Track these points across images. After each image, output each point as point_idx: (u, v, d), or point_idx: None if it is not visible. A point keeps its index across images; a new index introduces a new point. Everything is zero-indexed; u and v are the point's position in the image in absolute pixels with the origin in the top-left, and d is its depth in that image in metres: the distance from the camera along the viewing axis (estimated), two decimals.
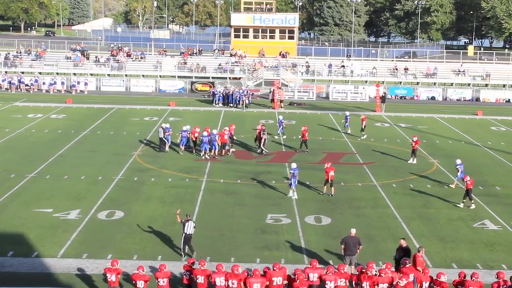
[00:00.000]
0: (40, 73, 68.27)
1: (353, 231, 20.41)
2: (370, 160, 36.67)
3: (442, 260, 21.77)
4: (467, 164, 36.10)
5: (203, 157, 35.41)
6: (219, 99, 56.77)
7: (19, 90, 62.85)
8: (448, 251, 22.75)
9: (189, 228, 21.12)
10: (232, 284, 17.25)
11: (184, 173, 32.54)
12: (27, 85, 63.18)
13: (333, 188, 29.03)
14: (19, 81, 63.88)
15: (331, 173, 28.74)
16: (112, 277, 17.69)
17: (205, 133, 35.72)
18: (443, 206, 28.02)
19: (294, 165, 28.92)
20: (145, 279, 17.65)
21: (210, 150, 35.55)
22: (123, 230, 23.98)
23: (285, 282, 17.56)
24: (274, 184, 30.85)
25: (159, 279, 17.62)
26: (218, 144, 35.80)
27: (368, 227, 25.08)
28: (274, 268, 17.54)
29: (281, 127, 42.16)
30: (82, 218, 25.13)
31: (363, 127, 42.88)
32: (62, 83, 63.89)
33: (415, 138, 36.71)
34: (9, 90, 62.76)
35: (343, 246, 20.19)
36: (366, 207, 27.68)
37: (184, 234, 21.19)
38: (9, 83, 63.68)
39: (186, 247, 21.33)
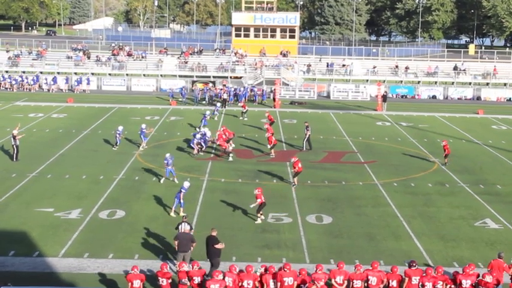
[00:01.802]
0: (41, 72, 68.32)
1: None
2: (371, 159, 36.67)
3: (443, 259, 21.76)
4: (468, 162, 36.12)
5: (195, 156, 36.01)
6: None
7: (21, 89, 62.85)
8: (449, 250, 22.75)
9: (183, 229, 20.97)
10: (248, 284, 17.28)
11: (185, 172, 32.54)
12: (29, 84, 63.20)
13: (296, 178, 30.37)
14: (21, 78, 63.88)
15: (300, 165, 30.05)
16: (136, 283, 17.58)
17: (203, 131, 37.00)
18: (444, 205, 28.02)
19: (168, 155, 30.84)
20: (141, 279, 17.60)
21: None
22: (124, 230, 24.00)
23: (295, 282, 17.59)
24: (275, 183, 30.87)
25: (161, 278, 17.60)
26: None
27: (369, 225, 25.09)
28: (285, 269, 17.56)
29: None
30: (83, 218, 25.15)
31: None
32: (66, 82, 63.92)
33: (443, 143, 35.67)
34: (11, 89, 62.83)
35: None
36: (367, 206, 27.69)
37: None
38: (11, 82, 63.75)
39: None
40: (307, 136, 38.46)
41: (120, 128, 38.42)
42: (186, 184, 25.94)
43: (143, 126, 38.09)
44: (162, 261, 20.55)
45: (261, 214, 25.25)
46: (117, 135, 37.70)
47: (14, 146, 34.02)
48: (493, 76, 69.75)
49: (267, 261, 20.60)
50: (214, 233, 20.07)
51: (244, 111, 49.43)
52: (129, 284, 17.59)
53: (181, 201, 25.41)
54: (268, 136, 36.97)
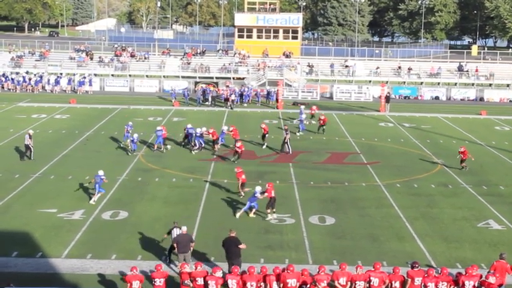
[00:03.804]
0: (44, 71, 68.35)
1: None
2: (374, 160, 36.65)
3: (446, 260, 21.74)
4: (471, 163, 36.05)
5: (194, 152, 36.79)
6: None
7: (24, 90, 62.92)
8: (452, 251, 22.73)
9: (175, 234, 20.81)
10: (251, 286, 17.30)
11: (188, 173, 32.57)
12: (32, 85, 63.32)
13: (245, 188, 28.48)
14: (24, 80, 63.98)
15: (243, 176, 28.34)
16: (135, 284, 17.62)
17: (199, 129, 37.58)
18: (447, 206, 28.01)
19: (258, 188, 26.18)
20: (140, 279, 17.64)
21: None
22: (127, 230, 24.01)
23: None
24: (278, 184, 30.80)
25: (155, 279, 17.61)
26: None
27: (372, 226, 25.08)
28: (288, 270, 17.54)
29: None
30: (86, 218, 25.18)
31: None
32: (69, 83, 64.00)
33: (462, 149, 35.18)
34: (14, 90, 62.93)
35: None
36: (370, 207, 27.67)
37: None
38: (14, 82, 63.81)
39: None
40: (286, 139, 37.87)
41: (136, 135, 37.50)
42: (258, 188, 25.83)
43: (136, 135, 37.31)
44: (164, 262, 20.60)
45: (272, 210, 25.46)
46: (157, 134, 37.72)
47: (30, 145, 34.21)
48: (473, 75, 69.57)
49: (270, 262, 20.61)
50: (233, 234, 20.19)
51: (313, 113, 48.57)
52: (128, 284, 17.60)
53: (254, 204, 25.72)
54: (238, 146, 35.05)
